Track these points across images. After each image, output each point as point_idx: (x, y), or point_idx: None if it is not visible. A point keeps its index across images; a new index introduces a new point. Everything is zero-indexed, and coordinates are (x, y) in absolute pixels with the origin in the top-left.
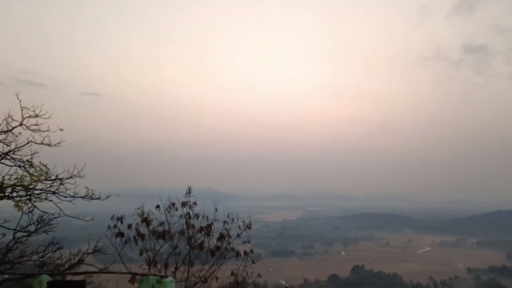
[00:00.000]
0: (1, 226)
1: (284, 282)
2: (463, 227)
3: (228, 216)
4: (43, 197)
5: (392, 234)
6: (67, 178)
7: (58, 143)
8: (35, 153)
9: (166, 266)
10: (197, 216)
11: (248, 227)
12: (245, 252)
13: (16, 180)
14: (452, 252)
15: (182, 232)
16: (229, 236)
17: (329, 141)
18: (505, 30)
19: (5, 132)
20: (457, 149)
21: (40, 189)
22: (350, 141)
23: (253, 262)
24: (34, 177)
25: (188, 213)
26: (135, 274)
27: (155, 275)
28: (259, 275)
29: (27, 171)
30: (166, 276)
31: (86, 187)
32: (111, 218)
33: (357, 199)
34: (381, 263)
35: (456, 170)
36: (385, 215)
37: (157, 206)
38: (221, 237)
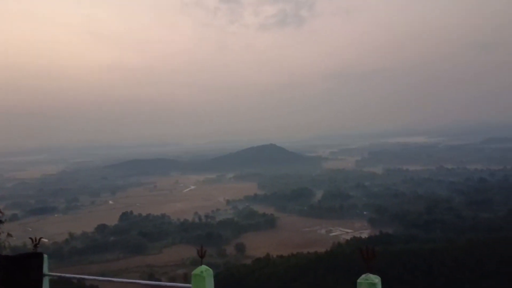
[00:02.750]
0: None
1: (46, 240)
2: (223, 164)
3: None
4: None
5: (160, 178)
6: None
7: None
8: None
9: None
10: None
11: None
12: None
13: None
14: (214, 187)
15: None
16: None
17: (91, 88)
18: None
19: None
20: (217, 95)
21: None
22: (112, 88)
23: (0, 221)
24: None
25: None
26: None
27: None
28: (9, 235)
29: None
30: None
31: None
32: None
33: (125, 147)
34: (150, 206)
35: (217, 114)
36: (153, 160)
37: None
38: None
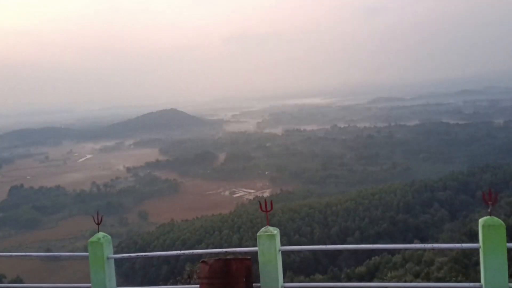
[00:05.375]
0: None
1: None
2: (121, 131)
3: None
4: None
5: (51, 148)
6: None
7: None
8: None
9: None
10: None
11: None
12: None
13: None
14: (112, 155)
15: None
16: None
17: None
18: None
19: None
20: (111, 58)
21: None
22: None
23: None
24: None
25: None
26: None
27: None
28: None
29: None
30: None
31: None
32: None
33: (6, 116)
34: (42, 178)
35: (111, 78)
36: (42, 129)
37: None
38: None
